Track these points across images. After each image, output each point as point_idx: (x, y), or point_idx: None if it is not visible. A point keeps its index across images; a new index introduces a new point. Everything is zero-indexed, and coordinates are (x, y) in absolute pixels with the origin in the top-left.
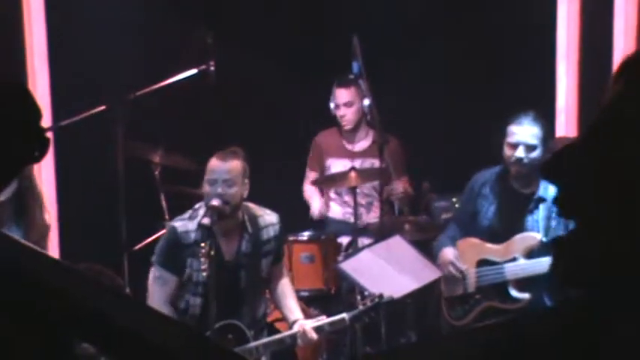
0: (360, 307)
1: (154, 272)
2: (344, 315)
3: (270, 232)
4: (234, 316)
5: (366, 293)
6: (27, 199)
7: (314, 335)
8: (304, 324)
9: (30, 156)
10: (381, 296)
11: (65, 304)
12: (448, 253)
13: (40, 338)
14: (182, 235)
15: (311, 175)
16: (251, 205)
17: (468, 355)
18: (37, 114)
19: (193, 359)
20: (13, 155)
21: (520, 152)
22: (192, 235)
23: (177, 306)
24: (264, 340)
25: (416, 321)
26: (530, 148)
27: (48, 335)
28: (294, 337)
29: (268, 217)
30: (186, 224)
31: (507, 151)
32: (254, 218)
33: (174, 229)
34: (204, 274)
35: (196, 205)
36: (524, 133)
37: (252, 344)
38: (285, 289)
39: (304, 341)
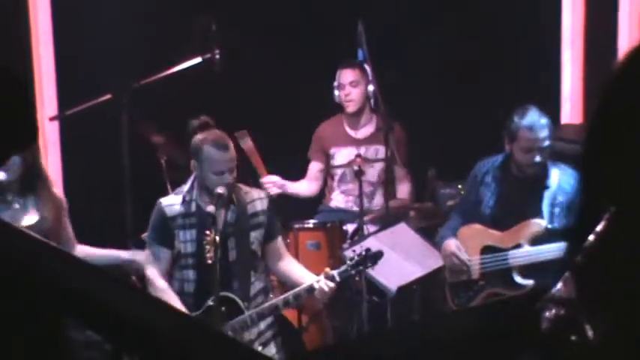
0: (348, 263)
1: (147, 250)
2: (333, 272)
3: (257, 206)
4: (227, 290)
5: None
6: (35, 181)
7: (327, 286)
8: (319, 278)
9: (19, 142)
10: (367, 250)
11: (68, 293)
12: (450, 244)
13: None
14: (167, 208)
15: (314, 166)
16: (240, 184)
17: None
18: (24, 100)
19: (190, 344)
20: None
21: (538, 158)
22: (177, 208)
23: (172, 284)
24: (265, 304)
25: (421, 307)
26: (544, 148)
27: (40, 323)
28: (310, 289)
29: (256, 193)
30: (171, 198)
31: (521, 155)
32: (240, 192)
33: (159, 203)
34: (195, 245)
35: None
36: (538, 138)
37: (247, 314)
38: (289, 266)
39: (321, 294)
